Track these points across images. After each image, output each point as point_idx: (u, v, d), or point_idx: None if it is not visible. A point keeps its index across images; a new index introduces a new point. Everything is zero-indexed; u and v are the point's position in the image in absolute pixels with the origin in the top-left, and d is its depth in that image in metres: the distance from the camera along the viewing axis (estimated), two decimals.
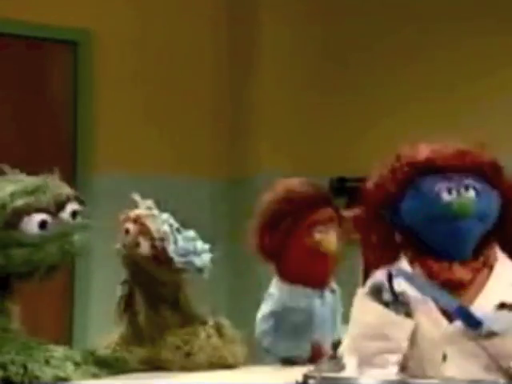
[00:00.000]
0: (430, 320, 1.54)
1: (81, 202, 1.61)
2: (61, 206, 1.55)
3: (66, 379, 1.47)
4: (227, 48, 5.06)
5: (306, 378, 1.51)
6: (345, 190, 4.77)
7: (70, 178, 4.63)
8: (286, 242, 1.98)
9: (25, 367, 1.45)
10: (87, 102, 4.71)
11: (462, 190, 1.58)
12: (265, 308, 2.01)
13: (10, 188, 1.52)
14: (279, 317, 1.96)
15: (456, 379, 1.47)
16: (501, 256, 1.61)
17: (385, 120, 4.78)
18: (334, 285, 2.06)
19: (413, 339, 1.52)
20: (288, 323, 1.95)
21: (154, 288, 1.81)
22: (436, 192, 1.59)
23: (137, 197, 1.87)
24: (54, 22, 4.60)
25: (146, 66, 4.86)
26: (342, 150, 4.87)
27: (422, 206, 1.60)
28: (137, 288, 1.83)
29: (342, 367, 1.56)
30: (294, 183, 2.10)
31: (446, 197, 1.58)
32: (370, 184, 1.70)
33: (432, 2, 4.72)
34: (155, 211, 1.84)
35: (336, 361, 1.59)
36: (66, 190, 1.60)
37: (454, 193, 1.58)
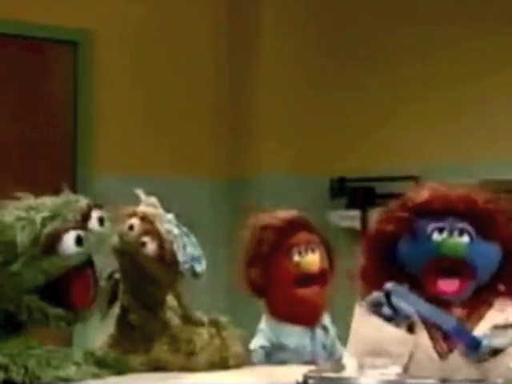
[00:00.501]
0: (429, 337, 1.54)
1: (100, 207, 1.62)
2: (86, 217, 1.56)
3: (66, 379, 1.48)
4: (227, 49, 5.06)
5: (306, 378, 1.51)
6: (345, 190, 4.78)
7: (70, 180, 4.64)
8: (268, 273, 1.96)
9: (26, 368, 1.45)
10: (87, 102, 4.71)
11: (455, 232, 1.57)
12: (255, 341, 1.98)
13: (38, 216, 1.52)
14: (269, 352, 1.95)
15: (456, 379, 1.48)
16: (499, 304, 1.58)
17: (385, 121, 4.79)
18: (327, 322, 2.03)
19: (412, 354, 1.52)
20: (277, 360, 1.93)
21: (146, 286, 1.79)
22: (428, 233, 1.59)
23: (141, 193, 1.85)
24: (54, 22, 4.60)
25: (146, 67, 4.86)
26: (342, 150, 4.87)
27: (416, 246, 1.60)
28: (126, 285, 1.80)
29: (341, 367, 1.57)
30: (267, 216, 2.07)
31: (436, 236, 1.58)
32: (370, 231, 1.69)
33: (434, 1, 4.72)
34: (161, 210, 1.82)
35: (336, 361, 1.60)
36: (84, 200, 1.61)
37: (445, 233, 1.57)
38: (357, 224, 4.69)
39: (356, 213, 4.69)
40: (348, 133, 4.90)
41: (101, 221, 1.59)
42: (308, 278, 1.96)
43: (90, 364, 1.55)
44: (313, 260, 1.98)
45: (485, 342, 1.45)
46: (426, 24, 4.67)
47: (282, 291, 1.96)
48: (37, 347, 1.50)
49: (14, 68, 4.62)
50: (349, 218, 4.72)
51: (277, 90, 4.93)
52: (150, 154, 4.82)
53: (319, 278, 1.99)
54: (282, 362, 1.91)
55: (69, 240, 1.51)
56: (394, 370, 1.56)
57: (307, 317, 1.98)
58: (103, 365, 1.57)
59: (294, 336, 1.95)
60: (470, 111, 4.49)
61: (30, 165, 4.54)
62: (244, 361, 1.82)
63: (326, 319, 2.01)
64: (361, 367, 1.51)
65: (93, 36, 4.71)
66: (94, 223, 1.56)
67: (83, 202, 1.59)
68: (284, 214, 2.08)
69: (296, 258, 1.97)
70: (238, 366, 1.79)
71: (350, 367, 1.56)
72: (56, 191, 1.65)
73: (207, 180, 4.96)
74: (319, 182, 4.81)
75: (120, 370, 1.60)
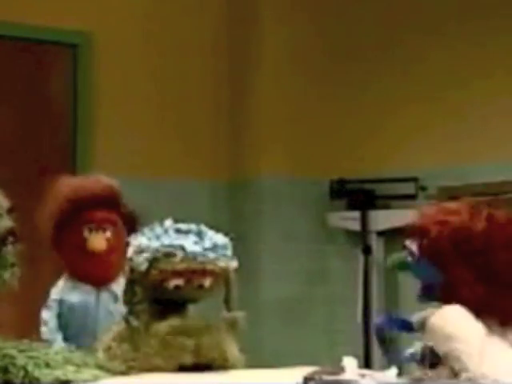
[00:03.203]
0: None
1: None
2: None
3: (66, 381, 1.48)
4: (227, 50, 5.06)
5: (307, 380, 1.51)
6: (345, 191, 4.78)
7: None
8: (62, 240, 2.14)
9: (25, 369, 1.45)
10: (87, 105, 4.71)
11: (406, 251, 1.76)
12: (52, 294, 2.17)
13: None
14: (59, 306, 2.14)
15: (457, 380, 1.49)
16: None
17: (385, 122, 4.78)
18: (117, 290, 2.10)
19: None
20: (64, 314, 2.12)
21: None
22: None
23: None
24: (53, 24, 4.60)
25: (146, 69, 4.86)
26: (342, 151, 4.87)
27: None
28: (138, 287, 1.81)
29: (342, 370, 1.56)
30: (78, 182, 2.23)
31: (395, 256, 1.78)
32: None
33: (435, 1, 4.71)
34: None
35: (336, 363, 1.60)
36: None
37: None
38: (357, 226, 4.69)
39: (356, 214, 4.69)
40: (348, 134, 4.90)
41: None
42: (95, 254, 2.13)
43: (90, 366, 1.55)
44: (100, 239, 2.13)
45: (414, 319, 1.67)
46: (428, 24, 4.66)
47: (72, 257, 2.15)
48: (36, 349, 1.50)
49: (13, 70, 4.62)
50: (349, 220, 4.72)
51: (277, 92, 4.93)
52: (150, 156, 4.82)
53: (107, 255, 2.14)
54: (68, 318, 2.11)
55: None
56: (393, 373, 1.56)
57: (93, 279, 2.15)
58: (103, 367, 1.57)
59: (79, 292, 2.14)
60: (471, 113, 4.48)
61: (29, 167, 4.54)
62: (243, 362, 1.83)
63: (118, 288, 2.04)
64: None
65: (92, 38, 4.71)
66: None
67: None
68: (90, 184, 2.21)
69: (86, 234, 2.14)
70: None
71: (351, 370, 1.56)
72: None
73: (207, 182, 4.96)
74: (319, 183, 4.81)
75: (119, 371, 1.60)
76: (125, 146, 4.77)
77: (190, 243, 1.77)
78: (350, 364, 1.57)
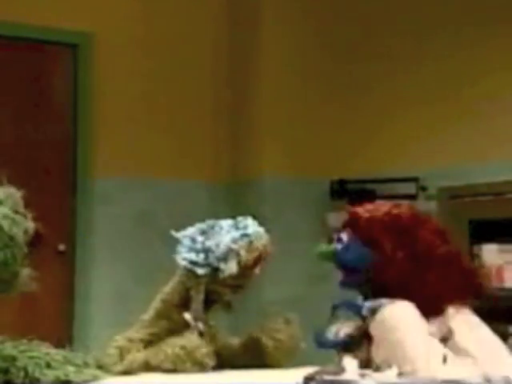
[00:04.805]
0: None
1: None
2: None
3: (66, 381, 1.48)
4: (228, 51, 5.06)
5: (307, 380, 1.52)
6: (345, 191, 4.78)
7: (70, 182, 4.65)
8: None
9: (25, 370, 1.45)
10: (87, 105, 4.71)
11: (335, 242, 1.92)
12: None
13: None
14: None
15: (460, 379, 1.49)
16: None
17: (386, 123, 4.78)
18: None
19: None
20: None
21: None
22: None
23: None
24: (54, 24, 4.61)
25: (146, 69, 4.86)
26: (343, 152, 4.87)
27: None
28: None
29: (342, 370, 1.57)
30: None
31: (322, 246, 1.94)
32: None
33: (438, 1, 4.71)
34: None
35: (337, 363, 1.60)
36: None
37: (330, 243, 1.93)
38: None
39: None
40: (349, 135, 4.90)
41: None
42: None
43: (90, 366, 1.55)
44: None
45: (367, 305, 1.78)
46: (431, 25, 4.65)
47: None
48: (36, 349, 1.50)
49: (15, 70, 4.63)
50: None
51: (277, 93, 4.93)
52: (151, 156, 4.82)
53: None
54: None
55: None
56: (393, 372, 1.56)
57: None
58: (103, 367, 1.57)
59: None
60: (472, 113, 4.48)
61: (30, 167, 4.54)
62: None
63: None
64: None
65: (93, 38, 4.71)
66: None
67: None
68: None
69: None
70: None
71: (351, 369, 1.56)
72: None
73: (208, 182, 4.96)
74: (320, 183, 4.81)
75: (119, 371, 1.60)
76: (125, 146, 4.77)
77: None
78: (350, 364, 1.57)
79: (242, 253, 1.86)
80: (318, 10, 4.96)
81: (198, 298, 1.82)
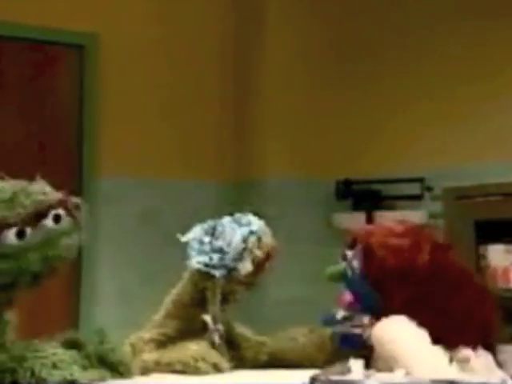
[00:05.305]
0: None
1: (74, 207, 1.58)
2: (42, 214, 1.53)
3: (73, 381, 1.48)
4: (233, 50, 5.06)
5: (313, 380, 1.52)
6: (351, 192, 4.77)
7: (76, 182, 4.65)
8: None
9: (32, 370, 1.46)
10: (93, 105, 4.72)
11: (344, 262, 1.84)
12: None
13: None
14: None
15: (466, 380, 1.49)
16: None
17: (392, 123, 4.78)
18: None
19: None
20: None
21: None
22: None
23: None
24: (60, 25, 4.61)
25: (152, 70, 4.87)
26: (348, 152, 4.87)
27: None
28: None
29: (348, 370, 1.57)
30: None
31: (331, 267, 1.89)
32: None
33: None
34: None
35: (342, 364, 1.60)
36: (51, 195, 1.58)
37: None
38: None
39: (362, 215, 4.69)
40: (354, 135, 4.89)
41: (56, 219, 1.55)
42: None
43: (97, 367, 1.55)
44: None
45: (366, 335, 1.70)
46: (435, 22, 4.65)
47: None
48: (43, 350, 1.51)
49: (21, 71, 4.63)
50: (354, 221, 4.71)
51: (282, 93, 4.93)
52: (156, 156, 4.83)
53: None
54: None
55: (10, 232, 1.50)
56: (400, 373, 1.56)
57: None
58: (110, 368, 1.57)
59: None
60: (478, 112, 4.47)
61: (37, 166, 4.54)
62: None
63: None
64: None
65: (99, 39, 4.71)
66: (48, 221, 1.53)
67: (49, 196, 1.57)
68: None
69: None
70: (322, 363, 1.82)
71: (357, 370, 1.56)
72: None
73: (213, 182, 4.96)
74: (325, 184, 4.81)
75: (126, 373, 1.60)
76: (131, 146, 4.77)
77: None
78: (356, 365, 1.57)
79: (255, 250, 1.85)
80: (323, 9, 4.95)
81: (215, 300, 1.81)
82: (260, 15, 5.00)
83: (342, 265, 1.81)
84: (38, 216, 1.52)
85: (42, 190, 1.58)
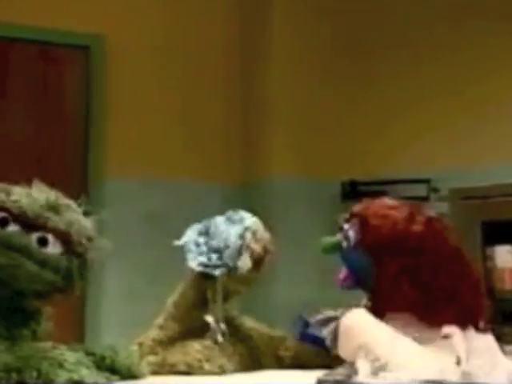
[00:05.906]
0: None
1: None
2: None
3: (79, 382, 1.48)
4: (239, 51, 5.06)
5: (320, 381, 1.51)
6: (356, 193, 4.77)
7: (83, 183, 4.66)
8: None
9: (38, 370, 1.46)
10: (99, 106, 4.72)
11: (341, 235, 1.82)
12: None
13: None
14: None
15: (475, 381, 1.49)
16: None
17: (397, 123, 4.77)
18: None
19: None
20: None
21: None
22: None
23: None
24: (66, 27, 4.62)
25: (158, 71, 4.87)
26: (354, 153, 4.86)
27: None
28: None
29: (355, 372, 1.56)
30: None
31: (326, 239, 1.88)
32: None
33: (447, 1, 4.69)
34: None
35: (349, 365, 1.59)
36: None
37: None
38: None
39: None
40: (359, 136, 4.89)
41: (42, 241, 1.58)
42: None
43: (103, 369, 1.55)
44: None
45: (326, 335, 1.67)
46: (441, 22, 4.65)
47: None
48: (49, 350, 1.51)
49: (27, 72, 4.64)
50: None
51: (288, 94, 4.93)
52: (163, 157, 4.83)
53: None
54: None
55: None
56: (407, 374, 1.55)
57: None
58: (116, 370, 1.57)
59: None
60: (484, 113, 4.47)
61: (43, 167, 4.55)
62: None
63: None
64: None
65: (105, 41, 4.72)
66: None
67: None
68: None
69: None
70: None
71: (363, 371, 1.56)
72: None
73: (219, 184, 4.96)
74: (330, 185, 4.80)
75: (133, 375, 1.60)
76: (136, 146, 4.78)
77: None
78: (363, 366, 1.56)
79: (252, 245, 1.85)
80: (328, 9, 4.95)
81: (216, 300, 1.81)
82: (265, 17, 5.00)
83: (338, 237, 1.81)
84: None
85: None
